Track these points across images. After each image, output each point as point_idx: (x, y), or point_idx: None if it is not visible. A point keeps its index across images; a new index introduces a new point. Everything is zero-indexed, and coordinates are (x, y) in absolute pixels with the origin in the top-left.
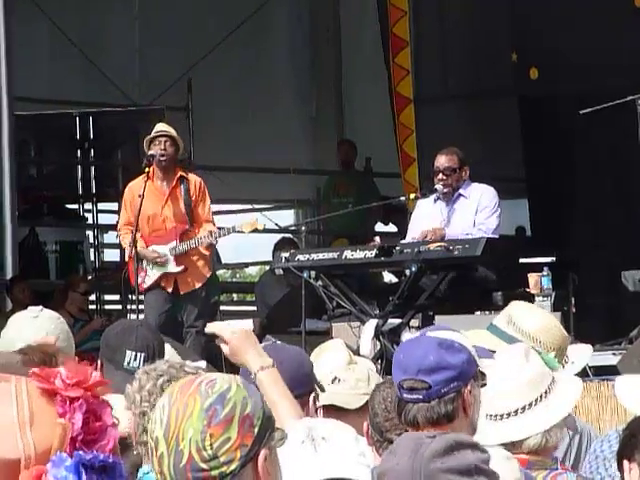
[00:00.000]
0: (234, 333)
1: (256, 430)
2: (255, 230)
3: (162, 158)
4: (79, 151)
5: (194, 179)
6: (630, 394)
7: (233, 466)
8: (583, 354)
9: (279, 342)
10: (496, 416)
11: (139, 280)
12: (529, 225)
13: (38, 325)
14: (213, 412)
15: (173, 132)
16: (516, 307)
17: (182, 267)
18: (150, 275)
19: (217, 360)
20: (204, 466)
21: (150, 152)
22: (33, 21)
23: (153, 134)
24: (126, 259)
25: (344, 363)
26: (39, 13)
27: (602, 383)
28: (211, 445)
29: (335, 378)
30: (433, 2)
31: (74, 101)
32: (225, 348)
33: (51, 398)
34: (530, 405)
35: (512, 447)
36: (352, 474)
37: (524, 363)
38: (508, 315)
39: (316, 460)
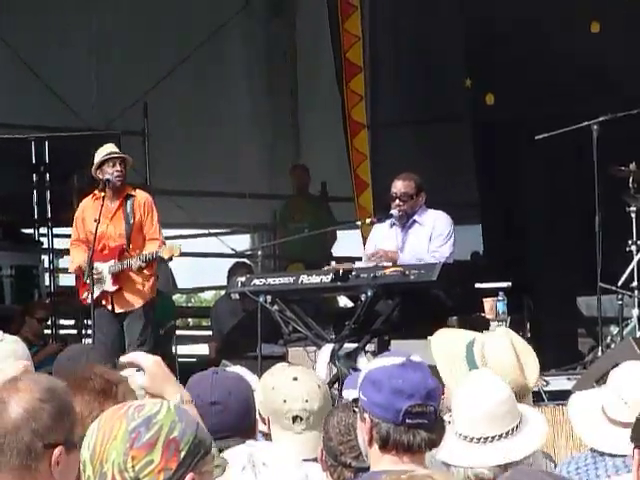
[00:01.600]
0: (150, 360)
1: (182, 454)
2: (171, 258)
3: (118, 179)
4: (35, 175)
5: (140, 196)
6: (581, 417)
7: None
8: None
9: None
10: (480, 439)
11: (84, 295)
12: (483, 250)
13: (5, 348)
14: (137, 435)
15: (122, 153)
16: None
17: (117, 286)
18: (96, 286)
19: None
20: None
21: (106, 176)
22: None
23: (106, 156)
24: (72, 272)
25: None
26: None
27: (557, 408)
28: (133, 467)
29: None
30: (387, 28)
31: (30, 125)
32: (141, 378)
33: None
34: (517, 427)
35: (501, 470)
36: None
37: (504, 390)
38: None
39: None
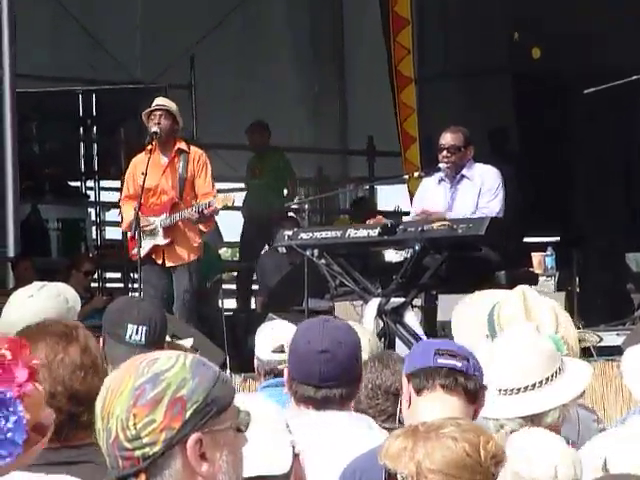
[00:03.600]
0: None
1: (188, 414)
2: (226, 206)
3: (156, 132)
4: (81, 129)
5: (194, 151)
6: (633, 372)
7: (156, 448)
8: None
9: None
10: (512, 390)
11: (134, 251)
12: (529, 204)
13: (35, 304)
14: (141, 392)
15: (170, 105)
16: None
17: (168, 240)
18: (143, 246)
19: (219, 333)
20: (128, 445)
21: (153, 129)
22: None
23: (150, 108)
24: (124, 230)
25: None
26: None
27: (606, 363)
28: (135, 425)
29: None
30: None
31: (77, 78)
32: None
33: None
34: (547, 380)
35: (530, 423)
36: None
37: (538, 339)
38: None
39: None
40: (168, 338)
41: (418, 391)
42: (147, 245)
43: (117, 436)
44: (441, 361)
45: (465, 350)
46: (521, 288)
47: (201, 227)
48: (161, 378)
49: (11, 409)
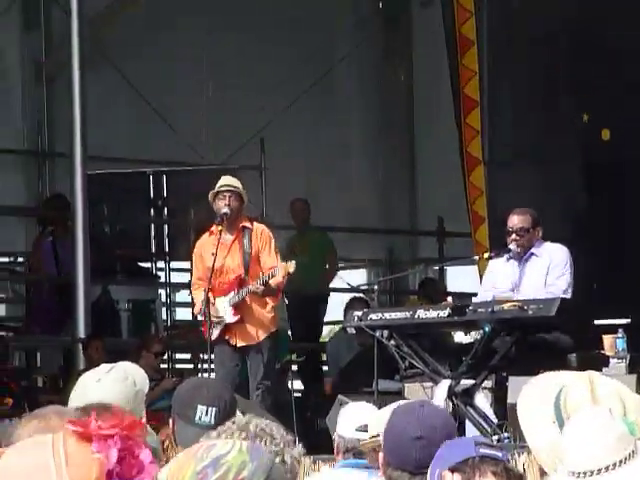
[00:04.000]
0: None
1: None
2: (288, 273)
3: (226, 213)
4: (152, 210)
5: (257, 227)
6: None
7: None
8: None
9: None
10: (586, 473)
11: (207, 334)
12: (597, 286)
13: (102, 389)
14: (204, 475)
15: (238, 185)
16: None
17: (238, 317)
18: (216, 327)
19: (288, 415)
20: None
21: (223, 211)
22: (109, 82)
23: (217, 188)
24: (196, 314)
25: None
26: (116, 74)
27: None
28: None
29: None
30: (505, 63)
31: (148, 160)
32: None
33: (87, 441)
34: (621, 462)
35: None
36: None
37: (610, 422)
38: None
39: None
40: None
41: None
42: (218, 327)
43: None
44: (484, 451)
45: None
46: (587, 373)
47: (269, 301)
48: (221, 462)
49: None
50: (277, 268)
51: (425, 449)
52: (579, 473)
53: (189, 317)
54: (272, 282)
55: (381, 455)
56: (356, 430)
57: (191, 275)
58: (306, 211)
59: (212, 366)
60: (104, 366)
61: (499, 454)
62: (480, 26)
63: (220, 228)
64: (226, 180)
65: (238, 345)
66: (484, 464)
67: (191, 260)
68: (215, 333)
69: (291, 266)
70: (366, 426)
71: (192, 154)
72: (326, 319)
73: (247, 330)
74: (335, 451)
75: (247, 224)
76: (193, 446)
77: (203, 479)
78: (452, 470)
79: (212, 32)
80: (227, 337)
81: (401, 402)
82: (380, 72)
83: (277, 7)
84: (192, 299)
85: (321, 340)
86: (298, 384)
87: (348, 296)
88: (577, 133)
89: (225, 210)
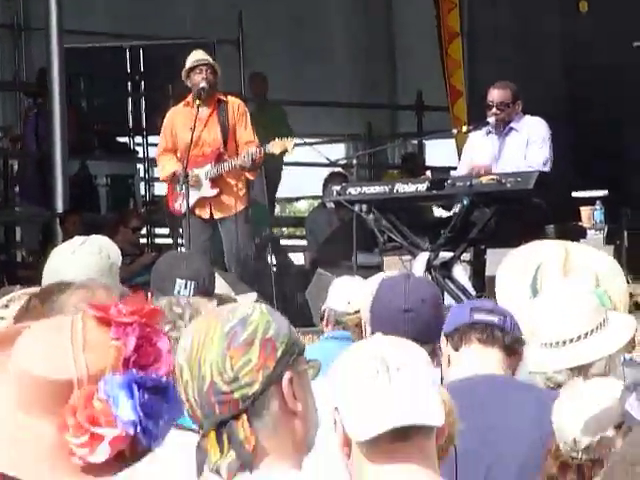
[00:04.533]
0: None
1: (279, 353)
2: (284, 152)
3: (204, 87)
4: (130, 84)
5: (233, 101)
6: None
7: (255, 387)
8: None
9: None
10: (558, 342)
11: (176, 205)
12: (577, 160)
13: (77, 261)
14: (233, 335)
15: (209, 58)
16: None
17: (217, 190)
18: (185, 199)
19: (267, 289)
20: (226, 389)
21: (201, 85)
22: None
23: (192, 63)
24: (162, 179)
25: None
26: None
27: None
28: (232, 367)
29: None
30: None
31: (125, 34)
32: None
33: (106, 326)
34: (592, 331)
35: (577, 374)
36: (426, 417)
37: (582, 293)
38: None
39: (390, 398)
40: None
41: (457, 348)
42: (191, 199)
43: (213, 381)
44: (477, 317)
45: (502, 308)
46: (564, 244)
47: (248, 175)
48: (249, 321)
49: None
50: (271, 144)
51: (413, 321)
52: (550, 344)
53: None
54: (257, 159)
55: (368, 329)
56: (349, 304)
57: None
58: (264, 85)
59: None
60: (77, 238)
61: (494, 319)
62: None
63: (198, 102)
64: (198, 55)
65: (214, 217)
66: (471, 331)
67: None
68: (184, 206)
69: (290, 143)
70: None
71: (170, 28)
72: (305, 194)
73: (223, 202)
74: (324, 322)
75: (223, 97)
76: (212, 310)
77: (233, 338)
78: (446, 336)
79: None
80: (197, 211)
81: (382, 275)
82: None
83: None
84: (160, 167)
85: (300, 215)
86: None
87: (327, 171)
88: (557, 4)
89: (203, 84)
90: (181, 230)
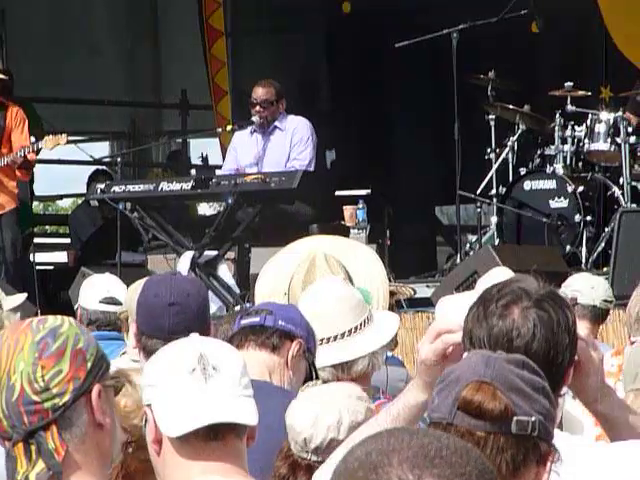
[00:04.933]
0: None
1: (89, 365)
2: (57, 145)
3: None
4: None
5: (12, 107)
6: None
7: (65, 398)
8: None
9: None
10: (322, 340)
11: None
12: (338, 158)
13: None
14: (44, 345)
15: None
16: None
17: None
18: None
19: (31, 288)
20: (36, 398)
21: None
22: None
23: None
24: None
25: None
26: None
27: (417, 315)
28: (42, 377)
29: None
30: None
31: None
32: None
33: None
34: (356, 329)
35: (341, 372)
36: (239, 416)
37: (345, 290)
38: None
39: (205, 396)
40: None
41: None
42: None
43: (23, 391)
44: (243, 322)
45: (270, 305)
46: (312, 257)
47: (19, 174)
48: (59, 332)
49: None
50: (43, 140)
51: (178, 315)
52: (320, 340)
53: None
54: (30, 156)
55: (134, 325)
56: (100, 302)
57: None
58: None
59: None
60: None
61: (256, 319)
62: None
63: None
64: None
65: None
66: (240, 336)
67: None
68: None
69: (63, 138)
70: (112, 298)
71: None
72: (69, 191)
73: None
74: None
75: (3, 101)
76: (20, 321)
77: (44, 348)
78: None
79: None
80: None
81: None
82: None
83: None
84: None
85: (64, 212)
86: (41, 257)
87: (91, 168)
88: (319, 4)
89: None
90: None
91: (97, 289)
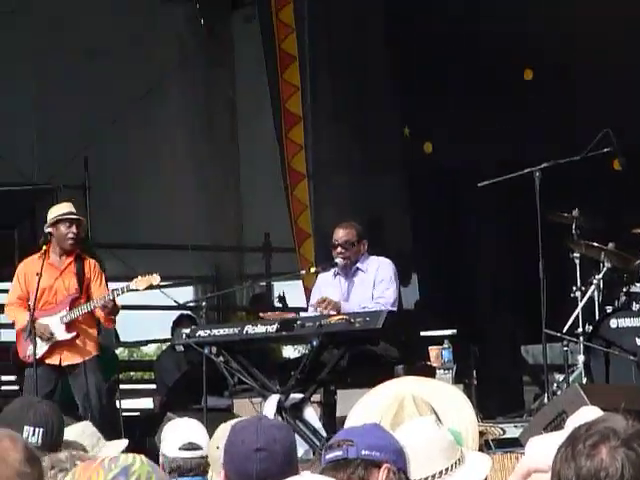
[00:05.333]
0: None
1: None
2: (150, 287)
3: (72, 241)
4: None
5: (89, 259)
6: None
7: None
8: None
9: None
10: None
11: (27, 352)
12: (422, 299)
13: None
14: None
15: (77, 214)
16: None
17: (74, 333)
18: (39, 346)
19: (117, 434)
20: None
21: (70, 236)
22: None
23: (62, 215)
24: (19, 330)
25: None
26: None
27: (505, 455)
28: None
29: None
30: (325, 77)
31: None
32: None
33: None
34: (447, 470)
35: None
36: None
37: (436, 431)
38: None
39: None
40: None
41: None
42: (44, 346)
43: None
44: (327, 456)
45: (351, 433)
46: (400, 399)
47: (104, 321)
48: (132, 470)
49: None
50: (135, 281)
51: (265, 461)
52: None
53: (13, 338)
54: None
55: (222, 472)
56: (179, 449)
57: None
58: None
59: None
60: None
61: (339, 453)
62: (301, 41)
63: (46, 249)
64: (69, 207)
65: (63, 364)
66: (327, 473)
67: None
68: (39, 352)
69: (155, 278)
70: (191, 444)
71: (14, 173)
72: (154, 337)
73: (77, 347)
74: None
75: (81, 253)
76: (91, 460)
77: None
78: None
79: (35, 48)
80: (47, 360)
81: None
82: (204, 90)
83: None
84: (11, 317)
85: (149, 358)
86: (127, 403)
87: (176, 313)
88: (399, 146)
89: (71, 237)
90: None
91: (177, 435)
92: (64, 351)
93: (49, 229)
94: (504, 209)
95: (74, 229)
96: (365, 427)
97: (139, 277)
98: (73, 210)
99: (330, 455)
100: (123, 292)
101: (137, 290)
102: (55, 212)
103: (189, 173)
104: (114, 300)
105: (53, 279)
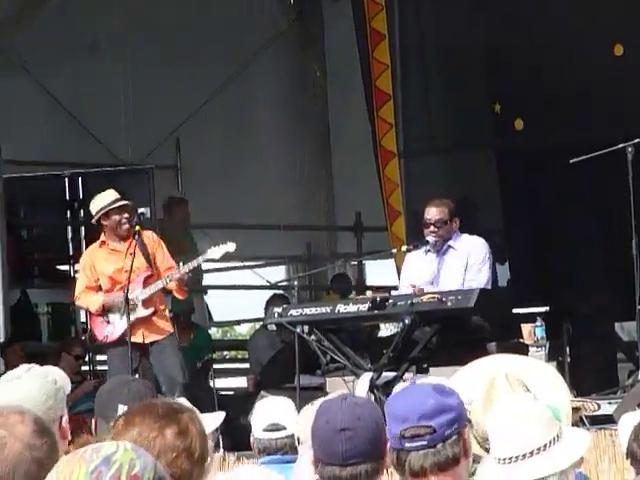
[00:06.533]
0: None
1: None
2: (226, 255)
3: (126, 226)
4: (69, 212)
5: (146, 232)
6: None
7: None
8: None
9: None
10: (511, 458)
11: (105, 333)
12: (515, 277)
13: (22, 385)
14: (98, 474)
15: (123, 199)
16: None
17: (152, 309)
18: (117, 325)
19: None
20: None
21: (124, 224)
22: (22, 84)
23: (110, 205)
24: (96, 313)
25: None
26: (28, 76)
27: (599, 432)
28: None
29: None
30: (414, 55)
31: (64, 162)
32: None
33: None
34: (546, 446)
35: None
36: None
37: (537, 406)
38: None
39: None
40: None
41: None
42: (123, 323)
43: None
44: (408, 445)
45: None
46: (493, 377)
47: (176, 292)
48: (113, 459)
49: None
50: (210, 250)
51: (350, 440)
52: (504, 459)
53: None
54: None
55: (311, 453)
56: (264, 430)
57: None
58: (186, 210)
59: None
60: (23, 366)
61: (424, 442)
62: (391, 19)
63: (103, 239)
64: (114, 194)
65: (146, 341)
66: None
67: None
68: (118, 331)
69: (231, 246)
70: (273, 425)
71: (107, 155)
72: (246, 317)
73: (155, 325)
74: (254, 450)
75: (137, 230)
76: (77, 450)
77: (98, 478)
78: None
79: (129, 31)
80: (124, 337)
81: (321, 399)
82: (294, 70)
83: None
84: (83, 305)
85: (242, 338)
86: (220, 382)
87: (268, 293)
88: (491, 123)
89: (124, 222)
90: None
91: (262, 416)
92: (143, 329)
93: (102, 220)
94: (595, 186)
95: (125, 214)
96: (423, 399)
97: (213, 247)
98: (118, 196)
99: (415, 444)
100: (199, 263)
101: (213, 260)
102: (101, 203)
103: (280, 153)
104: (189, 272)
105: (121, 264)
